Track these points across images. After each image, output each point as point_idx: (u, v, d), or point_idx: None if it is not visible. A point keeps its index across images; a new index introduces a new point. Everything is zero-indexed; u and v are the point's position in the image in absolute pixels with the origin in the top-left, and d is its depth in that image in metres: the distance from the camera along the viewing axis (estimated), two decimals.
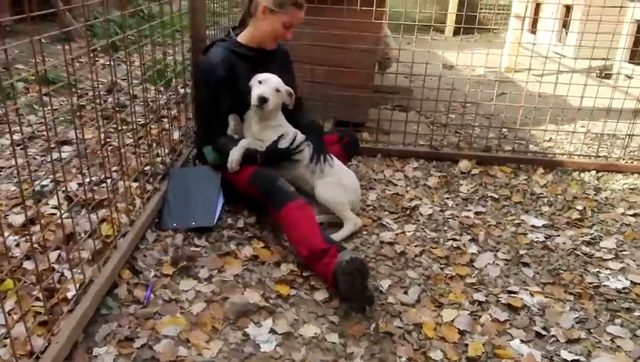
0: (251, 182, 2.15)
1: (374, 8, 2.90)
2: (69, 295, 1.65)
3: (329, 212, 2.27)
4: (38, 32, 1.34)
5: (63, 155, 2.51)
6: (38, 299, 1.65)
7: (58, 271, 1.78)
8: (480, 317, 1.82)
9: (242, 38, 2.34)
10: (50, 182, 2.39)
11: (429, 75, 3.08)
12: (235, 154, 2.18)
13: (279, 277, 1.94)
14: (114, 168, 2.48)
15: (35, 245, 1.84)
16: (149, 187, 2.31)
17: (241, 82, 2.26)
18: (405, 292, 1.91)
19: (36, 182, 2.23)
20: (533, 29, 7.08)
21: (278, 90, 2.22)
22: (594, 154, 3.21)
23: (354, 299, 1.76)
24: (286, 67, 2.46)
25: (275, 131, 2.28)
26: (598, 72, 5.76)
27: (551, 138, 3.58)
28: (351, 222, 2.23)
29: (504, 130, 3.49)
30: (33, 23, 1.30)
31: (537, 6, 6.88)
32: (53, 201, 2.07)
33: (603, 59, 5.61)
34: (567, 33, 6.70)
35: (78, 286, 1.64)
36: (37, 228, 2.01)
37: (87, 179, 1.87)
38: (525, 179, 2.95)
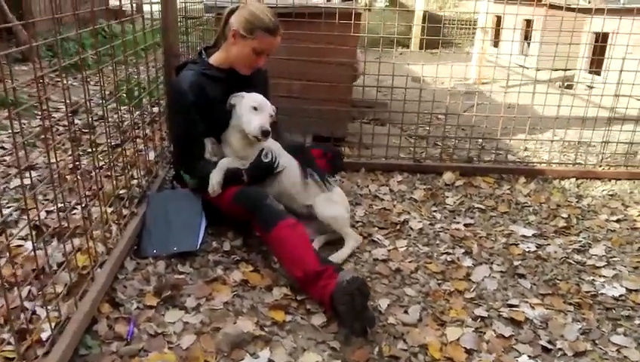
0: (236, 201, 2.04)
1: (352, 21, 2.86)
2: (44, 336, 1.49)
3: (322, 232, 2.20)
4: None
5: (29, 181, 2.33)
6: (8, 342, 1.48)
7: (30, 310, 1.62)
8: (484, 333, 1.75)
9: (214, 59, 2.21)
10: (16, 210, 2.21)
11: (403, 88, 3.05)
12: (215, 177, 2.06)
13: (272, 303, 1.83)
14: (86, 193, 2.31)
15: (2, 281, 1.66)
16: (125, 212, 2.16)
17: (213, 105, 2.14)
18: (406, 312, 1.83)
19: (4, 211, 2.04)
20: (496, 40, 7.26)
21: (271, 116, 2.14)
22: (572, 162, 3.25)
23: (355, 320, 1.66)
24: (261, 85, 2.33)
25: (257, 146, 2.18)
26: (560, 82, 5.94)
27: (526, 147, 3.62)
28: (352, 238, 2.16)
29: (481, 140, 3.50)
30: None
31: (498, 20, 7.06)
32: (19, 232, 1.89)
33: (565, 69, 5.83)
34: (529, 45, 6.91)
35: (53, 325, 1.48)
36: (1, 261, 1.83)
37: (60, 205, 1.71)
38: (509, 189, 2.95)
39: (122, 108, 2.27)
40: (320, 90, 3.02)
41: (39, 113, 3.60)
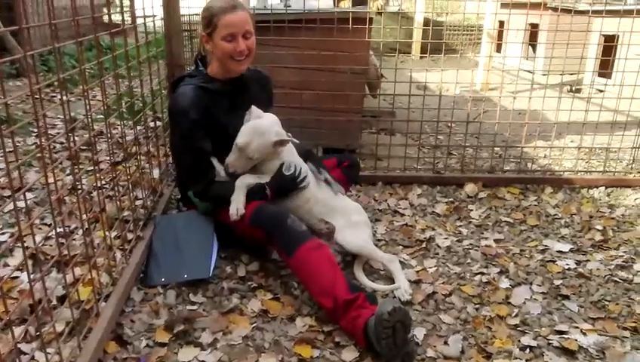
0: (254, 223, 1.85)
1: (367, 26, 2.70)
2: None
3: (343, 253, 2.02)
4: None
5: (23, 204, 2.14)
6: None
7: (26, 353, 1.43)
8: None
9: (211, 70, 2.05)
10: (10, 237, 2.02)
11: (420, 95, 2.90)
12: (237, 198, 1.87)
13: (297, 336, 1.64)
14: (86, 216, 2.13)
15: None
16: (130, 236, 1.98)
17: (217, 121, 1.97)
18: (445, 343, 1.65)
19: None
20: (499, 43, 7.11)
21: (250, 158, 1.90)
22: (600, 170, 3.08)
23: (395, 357, 1.48)
24: (264, 95, 2.16)
25: (276, 161, 2.00)
26: (568, 86, 5.81)
27: (545, 155, 3.46)
28: (392, 261, 1.98)
29: (498, 148, 3.34)
30: None
31: (501, 24, 6.93)
32: (17, 265, 1.69)
33: (573, 73, 5.69)
34: (534, 50, 6.79)
35: None
36: None
37: (59, 230, 1.53)
38: (535, 200, 2.78)
39: (123, 123, 2.11)
40: (331, 99, 2.86)
41: (34, 131, 3.42)
